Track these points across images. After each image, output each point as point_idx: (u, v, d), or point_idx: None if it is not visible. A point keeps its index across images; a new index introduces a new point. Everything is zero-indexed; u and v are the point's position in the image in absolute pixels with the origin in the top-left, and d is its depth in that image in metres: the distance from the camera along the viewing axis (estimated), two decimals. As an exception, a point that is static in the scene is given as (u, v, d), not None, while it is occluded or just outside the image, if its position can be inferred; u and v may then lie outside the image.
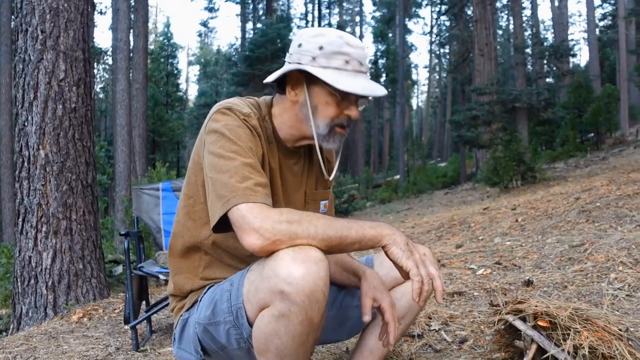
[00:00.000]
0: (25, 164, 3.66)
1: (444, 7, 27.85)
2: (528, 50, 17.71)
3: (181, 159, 27.70)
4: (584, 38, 41.27)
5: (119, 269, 5.13)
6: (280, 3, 34.63)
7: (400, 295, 1.50)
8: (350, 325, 1.62)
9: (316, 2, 33.87)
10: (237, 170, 1.25)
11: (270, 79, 1.39)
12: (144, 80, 12.95)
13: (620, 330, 1.46)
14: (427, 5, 35.41)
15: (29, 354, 2.58)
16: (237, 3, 30.33)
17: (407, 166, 24.64)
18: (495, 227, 4.96)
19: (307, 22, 34.72)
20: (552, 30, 30.43)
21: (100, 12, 22.07)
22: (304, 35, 1.37)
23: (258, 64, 21.24)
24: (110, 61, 25.27)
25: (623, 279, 2.50)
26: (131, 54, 12.21)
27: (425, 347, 2.10)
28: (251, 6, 31.31)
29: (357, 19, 41.09)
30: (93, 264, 3.78)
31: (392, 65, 30.95)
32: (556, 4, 27.07)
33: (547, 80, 23.42)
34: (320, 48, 1.32)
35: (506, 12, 33.54)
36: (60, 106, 3.71)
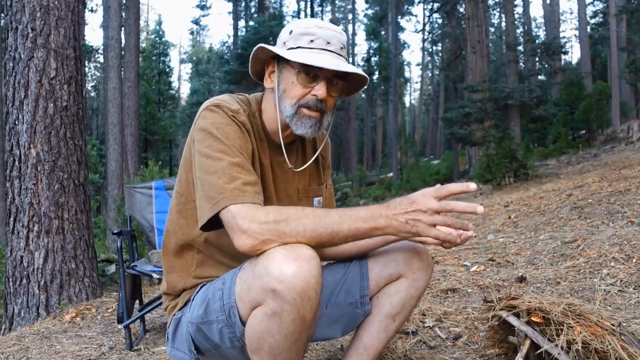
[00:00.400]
0: (16, 163, 3.63)
1: (436, 5, 27.85)
2: (520, 48, 17.81)
3: (174, 158, 27.56)
4: (575, 35, 41.56)
5: (112, 268, 5.10)
6: (273, 1, 34.49)
7: (394, 291, 1.50)
8: (345, 323, 1.62)
9: (308, -1, 33.85)
10: (225, 171, 1.25)
11: (250, 69, 1.46)
12: (136, 79, 12.89)
13: (612, 325, 1.47)
14: (419, 2, 35.45)
15: (22, 354, 2.56)
16: (229, 1, 30.18)
17: (400, 164, 24.67)
18: (488, 224, 4.97)
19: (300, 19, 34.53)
20: (544, 28, 30.62)
21: (91, 10, 21.87)
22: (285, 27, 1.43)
23: (250, 62, 21.16)
24: (101, 59, 25.10)
25: (615, 275, 2.52)
26: (123, 52, 12.14)
27: (420, 343, 2.11)
28: (243, 4, 31.17)
29: (350, 16, 41.01)
30: (85, 263, 3.76)
31: (385, 62, 30.95)
32: (548, 1, 27.22)
33: (539, 77, 23.60)
34: (290, 32, 1.37)
35: (498, 9, 33.74)
36: (52, 104, 3.68)
